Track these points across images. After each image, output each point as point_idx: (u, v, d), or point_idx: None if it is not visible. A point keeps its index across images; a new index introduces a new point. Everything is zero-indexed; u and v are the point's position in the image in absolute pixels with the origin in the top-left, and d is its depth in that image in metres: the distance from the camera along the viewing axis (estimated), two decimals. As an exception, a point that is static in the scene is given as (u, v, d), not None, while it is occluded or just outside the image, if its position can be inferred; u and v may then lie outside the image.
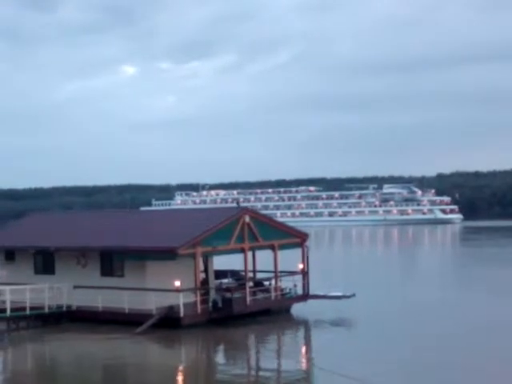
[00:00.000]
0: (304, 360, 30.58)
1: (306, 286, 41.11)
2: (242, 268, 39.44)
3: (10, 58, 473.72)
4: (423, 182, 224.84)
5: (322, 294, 41.09)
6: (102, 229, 41.53)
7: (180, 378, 27.64)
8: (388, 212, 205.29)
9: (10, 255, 42.12)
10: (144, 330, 34.53)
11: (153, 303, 35.76)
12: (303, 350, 32.89)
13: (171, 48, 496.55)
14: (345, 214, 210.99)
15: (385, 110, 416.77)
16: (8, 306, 36.12)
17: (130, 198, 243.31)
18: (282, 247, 40.81)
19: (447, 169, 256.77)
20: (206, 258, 39.37)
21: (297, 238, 42.03)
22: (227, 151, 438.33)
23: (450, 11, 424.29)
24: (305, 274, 41.33)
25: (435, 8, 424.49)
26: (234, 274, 40.91)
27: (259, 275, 42.13)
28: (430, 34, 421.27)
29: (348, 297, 40.66)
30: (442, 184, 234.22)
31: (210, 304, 36.73)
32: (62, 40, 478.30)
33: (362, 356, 29.25)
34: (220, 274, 40.49)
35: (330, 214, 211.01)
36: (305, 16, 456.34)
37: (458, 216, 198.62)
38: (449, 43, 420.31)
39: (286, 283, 41.27)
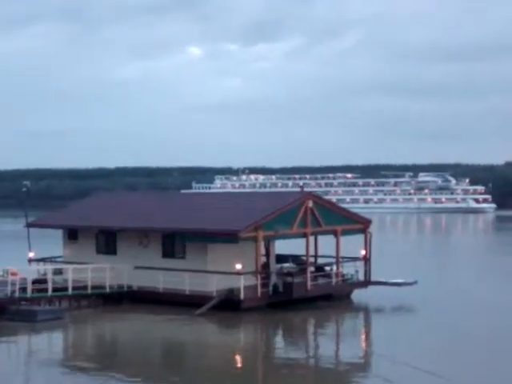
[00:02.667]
0: (363, 346, 30.13)
1: (367, 272, 40.54)
2: (304, 253, 39.02)
3: (73, 39, 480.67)
4: (457, 172, 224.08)
5: (383, 280, 40.48)
6: (164, 210, 41.57)
7: (239, 359, 27.43)
8: (422, 200, 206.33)
9: (73, 235, 42.45)
10: (204, 312, 34.47)
11: (213, 285, 35.65)
12: (363, 336, 32.41)
13: (238, 30, 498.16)
14: (380, 201, 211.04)
15: (452, 97, 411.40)
16: (70, 284, 36.41)
17: (192, 179, 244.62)
18: (345, 233, 40.26)
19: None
20: (268, 242, 39.04)
21: (360, 224, 41.43)
22: (288, 135, 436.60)
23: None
24: (367, 260, 40.76)
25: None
26: (295, 258, 40.51)
27: (321, 260, 41.70)
28: (499, 21, 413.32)
29: (410, 284, 39.97)
30: (494, 174, 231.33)
31: (271, 288, 36.47)
32: (126, 20, 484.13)
33: (422, 344, 28.64)
34: (281, 259, 40.14)
35: (366, 201, 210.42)
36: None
37: (490, 205, 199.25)
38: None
39: (348, 269, 40.76)
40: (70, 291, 36.46)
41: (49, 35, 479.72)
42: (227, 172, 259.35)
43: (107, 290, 37.61)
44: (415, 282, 40.18)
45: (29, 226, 44.70)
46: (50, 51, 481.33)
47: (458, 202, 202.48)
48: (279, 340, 31.84)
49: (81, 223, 42.41)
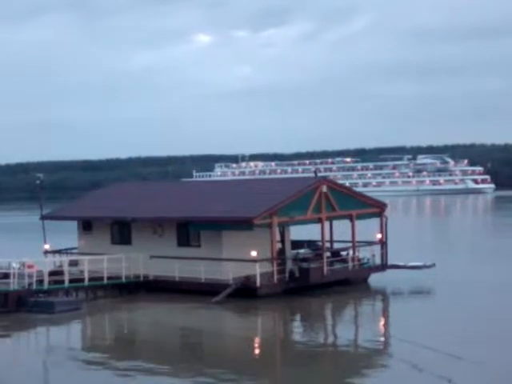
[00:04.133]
0: (382, 330, 29.97)
1: (384, 255, 40.32)
2: (319, 238, 38.83)
3: (82, 29, 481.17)
4: (455, 153, 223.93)
5: (401, 263, 40.25)
6: (178, 199, 41.48)
7: (257, 346, 27.36)
8: (421, 182, 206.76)
9: (88, 225, 42.44)
10: (220, 300, 34.38)
11: (229, 273, 35.56)
12: (381, 320, 32.27)
13: (247, 16, 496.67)
14: (379, 184, 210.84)
15: (464, 76, 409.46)
16: (86, 275, 36.41)
17: (209, 167, 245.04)
18: (360, 217, 40.02)
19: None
20: (283, 228, 38.89)
21: (375, 208, 41.18)
22: (302, 121, 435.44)
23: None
24: (383, 243, 40.52)
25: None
26: (310, 244, 40.33)
27: (336, 245, 41.51)
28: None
29: (428, 267, 39.76)
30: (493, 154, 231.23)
31: (287, 274, 36.34)
32: (135, 10, 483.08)
33: (441, 327, 28.45)
34: (297, 244, 39.97)
35: (365, 185, 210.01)
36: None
37: (489, 186, 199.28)
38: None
39: (364, 253, 40.55)
40: (86, 282, 36.47)
41: (58, 26, 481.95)
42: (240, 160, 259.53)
43: (123, 280, 37.59)
44: (433, 265, 39.94)
45: (44, 218, 44.72)
46: (59, 42, 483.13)
47: (456, 183, 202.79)
48: (297, 326, 31.72)
49: (95, 214, 42.37)
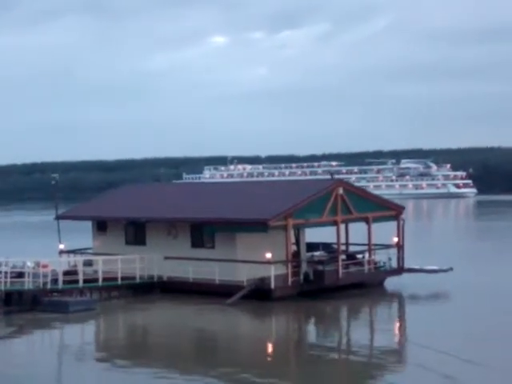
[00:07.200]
0: (397, 334, 29.74)
1: (400, 259, 39.99)
2: (335, 241, 38.58)
3: (99, 31, 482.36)
4: (438, 158, 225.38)
5: (417, 267, 39.92)
6: (192, 200, 41.33)
7: (271, 348, 27.16)
8: (404, 186, 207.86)
9: (102, 226, 42.36)
10: (234, 302, 34.21)
11: (243, 275, 35.37)
12: (396, 324, 31.97)
13: (263, 17, 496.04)
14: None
15: (484, 79, 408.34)
16: (100, 275, 36.34)
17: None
18: (377, 220, 39.72)
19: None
20: (298, 231, 38.66)
21: (392, 211, 40.86)
22: (318, 122, 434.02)
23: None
24: (400, 247, 40.19)
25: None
26: (326, 246, 40.09)
27: (352, 248, 41.23)
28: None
29: (445, 271, 39.38)
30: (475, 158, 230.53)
31: (302, 276, 36.11)
32: (152, 12, 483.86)
33: (459, 332, 28.12)
34: (312, 247, 39.75)
35: None
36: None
37: (471, 190, 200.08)
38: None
39: (380, 256, 40.24)
40: (100, 282, 36.40)
41: (75, 28, 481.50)
42: (254, 161, 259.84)
43: (137, 280, 37.49)
44: (451, 269, 39.55)
45: (59, 218, 44.70)
46: (76, 44, 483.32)
47: (438, 187, 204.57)
48: (311, 329, 31.57)
49: (110, 215, 42.33)
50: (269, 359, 25.61)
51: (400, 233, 40.35)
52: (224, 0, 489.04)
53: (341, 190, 37.79)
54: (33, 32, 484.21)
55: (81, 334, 30.70)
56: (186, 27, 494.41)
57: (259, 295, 34.55)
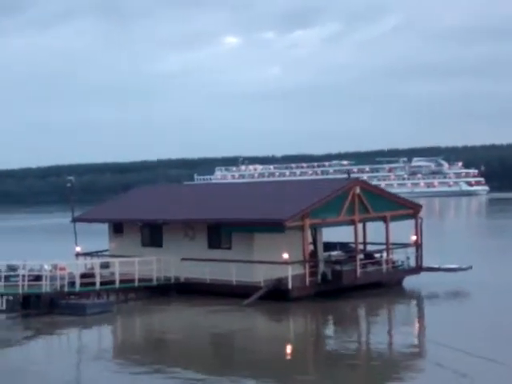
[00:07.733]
0: (416, 333, 29.46)
1: (419, 258, 39.68)
2: (352, 240, 38.33)
3: (110, 33, 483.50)
4: (450, 156, 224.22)
5: (436, 266, 39.59)
6: (209, 201, 41.18)
7: (290, 349, 26.94)
8: (415, 185, 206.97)
9: (119, 228, 42.29)
10: (252, 302, 34.04)
11: (261, 275, 35.20)
12: (416, 323, 31.69)
13: (274, 17, 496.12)
14: None
15: (494, 77, 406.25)
16: (117, 277, 36.25)
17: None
18: (394, 219, 39.45)
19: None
20: (315, 230, 38.43)
21: (410, 210, 40.57)
22: (331, 121, 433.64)
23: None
24: (418, 246, 39.88)
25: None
26: (343, 246, 39.84)
27: (370, 247, 40.95)
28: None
29: (464, 269, 39.02)
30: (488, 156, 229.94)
31: (319, 276, 35.90)
32: (164, 13, 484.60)
33: (478, 331, 27.83)
34: (329, 246, 39.51)
35: None
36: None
37: (483, 188, 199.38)
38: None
39: (398, 255, 39.94)
40: (117, 284, 36.32)
41: (87, 30, 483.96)
42: (271, 161, 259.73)
43: (154, 282, 37.38)
44: (470, 267, 39.20)
45: (75, 220, 44.67)
46: (88, 46, 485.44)
47: (450, 185, 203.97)
48: (330, 329, 31.30)
49: (126, 216, 42.26)
50: (287, 360, 25.41)
51: (418, 231, 40.05)
52: (234, 0, 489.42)
53: (358, 189, 37.55)
54: (45, 34, 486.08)
55: (98, 336, 30.63)
56: (198, 28, 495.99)
57: (276, 296, 34.36)
